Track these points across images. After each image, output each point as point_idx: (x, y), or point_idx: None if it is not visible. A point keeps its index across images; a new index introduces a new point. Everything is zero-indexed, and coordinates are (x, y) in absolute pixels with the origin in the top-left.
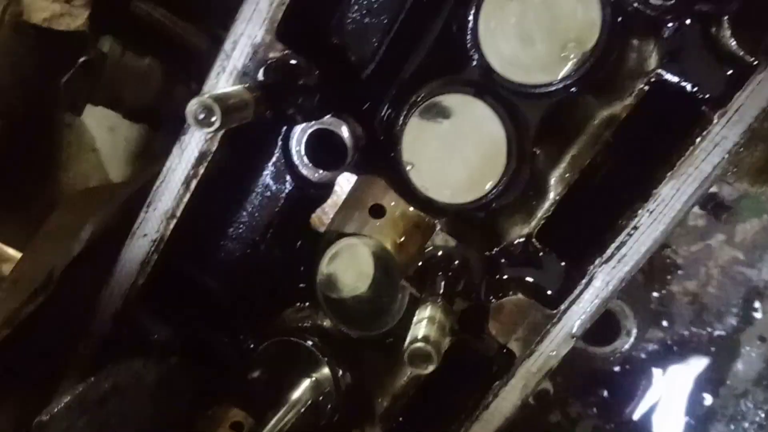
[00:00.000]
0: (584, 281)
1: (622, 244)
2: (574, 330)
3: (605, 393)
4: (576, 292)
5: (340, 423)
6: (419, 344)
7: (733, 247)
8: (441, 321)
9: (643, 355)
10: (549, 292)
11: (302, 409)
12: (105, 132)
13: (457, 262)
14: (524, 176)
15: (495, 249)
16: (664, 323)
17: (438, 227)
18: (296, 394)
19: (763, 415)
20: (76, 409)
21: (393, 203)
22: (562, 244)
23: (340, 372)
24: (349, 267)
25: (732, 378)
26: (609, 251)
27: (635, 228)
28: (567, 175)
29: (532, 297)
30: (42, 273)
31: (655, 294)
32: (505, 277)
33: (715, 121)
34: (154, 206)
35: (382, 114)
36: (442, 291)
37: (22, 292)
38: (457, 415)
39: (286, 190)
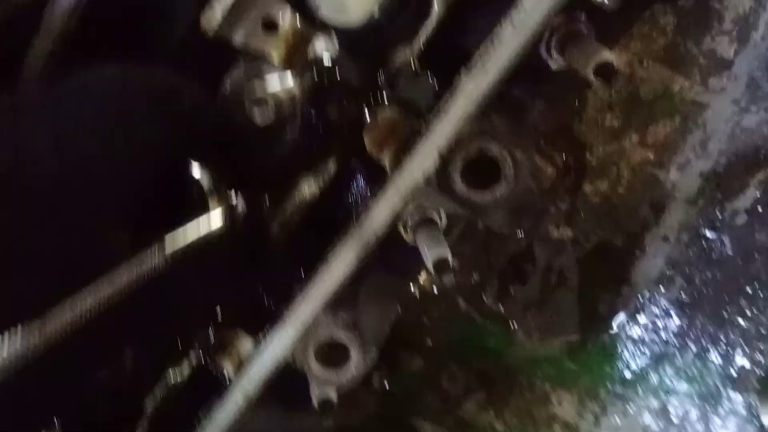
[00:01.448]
0: (450, 92)
1: (486, 53)
2: (441, 145)
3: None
4: (443, 103)
5: None
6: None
7: (645, 148)
8: (292, 91)
9: (554, 250)
10: (421, 109)
11: None
12: None
13: (337, 69)
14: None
15: (378, 69)
16: (578, 222)
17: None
18: None
19: (660, 310)
20: None
21: (286, 18)
22: (440, 66)
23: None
24: None
25: (634, 275)
26: (473, 61)
27: (498, 39)
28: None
29: (405, 113)
30: None
31: (567, 193)
32: (384, 94)
33: None
34: None
35: None
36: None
37: None
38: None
39: None
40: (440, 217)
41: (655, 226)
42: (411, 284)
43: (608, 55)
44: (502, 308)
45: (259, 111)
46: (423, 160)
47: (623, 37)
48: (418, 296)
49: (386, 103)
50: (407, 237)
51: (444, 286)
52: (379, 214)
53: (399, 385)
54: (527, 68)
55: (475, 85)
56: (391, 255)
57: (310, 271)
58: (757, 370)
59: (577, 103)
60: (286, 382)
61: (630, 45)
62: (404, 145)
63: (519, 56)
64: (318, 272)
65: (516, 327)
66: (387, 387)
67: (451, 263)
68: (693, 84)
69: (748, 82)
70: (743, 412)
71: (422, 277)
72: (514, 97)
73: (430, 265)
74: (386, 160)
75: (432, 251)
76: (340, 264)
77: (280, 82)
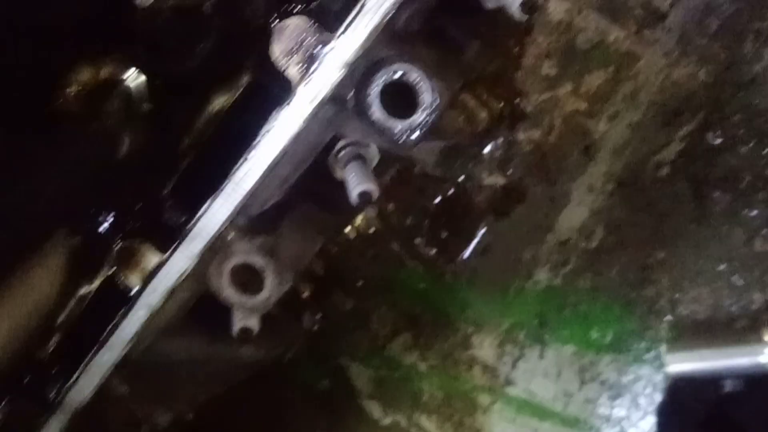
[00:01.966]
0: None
1: None
2: (347, 59)
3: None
4: (351, 16)
5: None
6: None
7: (578, 98)
8: None
9: (485, 196)
10: (330, 15)
11: None
12: None
13: None
14: None
15: None
16: (509, 170)
17: None
18: None
19: (579, 258)
20: None
21: None
22: None
23: None
24: None
25: (558, 225)
26: None
27: None
28: None
29: (313, 19)
30: None
31: (500, 139)
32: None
33: None
34: None
35: None
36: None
37: None
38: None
39: None
40: (371, 157)
41: (581, 175)
42: (344, 223)
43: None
44: (432, 252)
45: None
46: (330, 74)
47: None
48: (352, 237)
49: (295, 12)
50: (338, 174)
51: (377, 226)
52: (283, 133)
53: (329, 324)
54: (463, 7)
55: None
56: (322, 189)
57: (217, 184)
58: (667, 319)
59: (516, 50)
60: (210, 311)
61: None
62: (311, 56)
63: None
64: (222, 187)
65: (444, 270)
66: (317, 325)
67: (374, 196)
68: (628, 35)
69: (680, 35)
70: (653, 359)
71: (358, 220)
72: (451, 37)
73: (354, 197)
74: (293, 72)
75: (357, 184)
76: (246, 179)
77: None
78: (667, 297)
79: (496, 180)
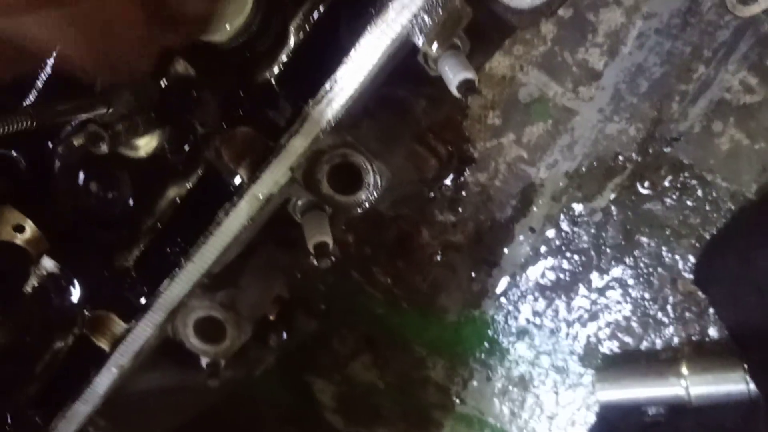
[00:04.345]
0: (300, 119)
1: (330, 89)
2: (291, 163)
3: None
4: (294, 127)
5: None
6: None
7: (520, 147)
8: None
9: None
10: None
11: None
12: None
13: (194, 91)
14: (273, 24)
15: (238, 88)
16: (459, 209)
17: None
18: None
19: (523, 291)
20: None
21: None
22: (299, 87)
23: None
24: None
25: (503, 259)
26: (319, 94)
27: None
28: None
29: (262, 131)
30: None
31: (449, 182)
32: (241, 112)
33: None
34: None
35: None
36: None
37: None
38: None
39: None
40: None
41: (523, 217)
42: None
43: (470, 74)
44: (389, 280)
45: None
46: (276, 174)
47: (508, 40)
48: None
49: (242, 119)
50: (297, 218)
51: (337, 256)
52: (234, 222)
53: (295, 345)
54: (409, 72)
55: (319, 113)
56: (282, 231)
57: (177, 262)
58: (600, 348)
59: (464, 102)
60: (178, 344)
61: (513, 49)
62: (260, 159)
63: (360, 93)
64: (183, 265)
65: (400, 297)
66: (284, 345)
67: (330, 249)
68: (566, 91)
69: (613, 94)
70: (588, 384)
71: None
72: (399, 97)
73: (310, 247)
74: (243, 173)
75: (313, 236)
76: (205, 257)
77: None
78: (597, 328)
79: (447, 218)
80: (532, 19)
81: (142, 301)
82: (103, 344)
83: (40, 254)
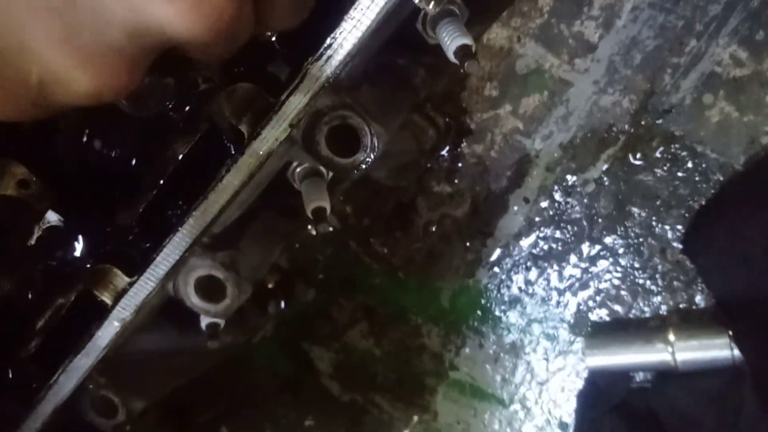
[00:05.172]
0: (299, 75)
1: (330, 47)
2: (291, 120)
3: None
4: (294, 84)
5: None
6: None
7: (516, 118)
8: None
9: (434, 203)
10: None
11: None
12: None
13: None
14: None
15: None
16: (455, 180)
17: None
18: None
19: (516, 260)
20: None
21: None
22: (300, 45)
23: None
24: None
25: (498, 229)
26: (319, 51)
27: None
28: None
29: (262, 86)
30: None
31: (446, 154)
32: (241, 69)
33: None
34: None
35: None
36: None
37: None
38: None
39: None
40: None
41: (518, 188)
42: (304, 224)
43: (467, 40)
44: (386, 251)
45: None
46: (277, 131)
47: (506, 11)
48: (313, 235)
49: (243, 75)
50: (296, 185)
51: (336, 226)
52: (235, 178)
53: (294, 312)
54: (408, 41)
55: (319, 70)
56: (282, 198)
57: (180, 219)
58: (590, 316)
59: (461, 72)
60: (178, 306)
61: (511, 21)
62: (262, 115)
63: (359, 50)
64: (185, 220)
65: (397, 267)
66: (282, 313)
67: (328, 214)
68: (562, 63)
69: (608, 66)
70: (578, 351)
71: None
72: (398, 65)
73: (309, 212)
74: (244, 129)
75: (312, 201)
76: (207, 214)
77: None
78: (587, 296)
79: (444, 189)
80: None
81: (146, 256)
82: (106, 298)
83: (44, 210)
